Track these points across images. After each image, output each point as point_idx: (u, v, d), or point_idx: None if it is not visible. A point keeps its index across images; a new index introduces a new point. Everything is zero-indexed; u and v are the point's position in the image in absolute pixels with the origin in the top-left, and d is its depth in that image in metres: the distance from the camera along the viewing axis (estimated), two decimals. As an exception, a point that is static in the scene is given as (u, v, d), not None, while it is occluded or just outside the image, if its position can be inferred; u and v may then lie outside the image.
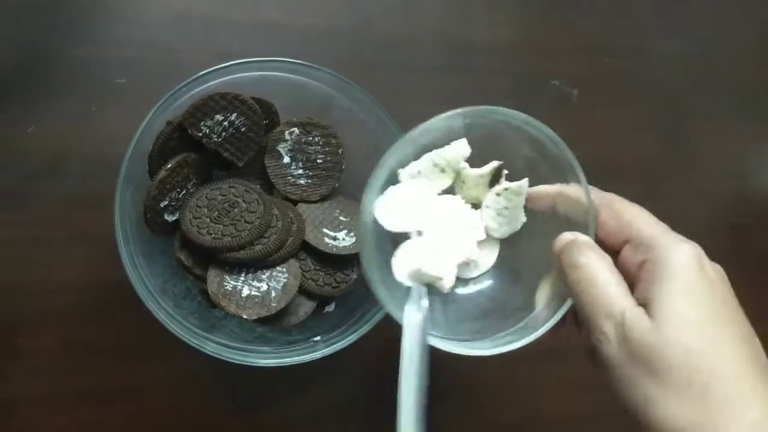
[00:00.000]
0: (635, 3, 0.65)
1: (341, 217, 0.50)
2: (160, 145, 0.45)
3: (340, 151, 0.50)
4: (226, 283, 0.45)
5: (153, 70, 0.52)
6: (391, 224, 0.41)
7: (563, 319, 0.37)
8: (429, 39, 0.59)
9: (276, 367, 0.43)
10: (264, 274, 0.46)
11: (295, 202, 0.50)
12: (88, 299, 0.50)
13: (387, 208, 0.41)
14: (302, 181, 0.50)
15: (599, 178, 0.55)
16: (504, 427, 0.58)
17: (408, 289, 0.39)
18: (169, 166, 0.44)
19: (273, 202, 0.47)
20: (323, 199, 0.51)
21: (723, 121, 0.66)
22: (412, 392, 0.32)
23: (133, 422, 0.50)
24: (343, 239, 0.48)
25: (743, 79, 0.67)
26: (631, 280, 0.34)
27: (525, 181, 0.43)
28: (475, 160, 0.44)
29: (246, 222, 0.45)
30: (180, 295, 0.45)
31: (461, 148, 0.43)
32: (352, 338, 0.44)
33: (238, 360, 0.42)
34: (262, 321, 0.46)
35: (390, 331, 0.47)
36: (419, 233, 0.42)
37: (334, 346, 0.44)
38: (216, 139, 0.46)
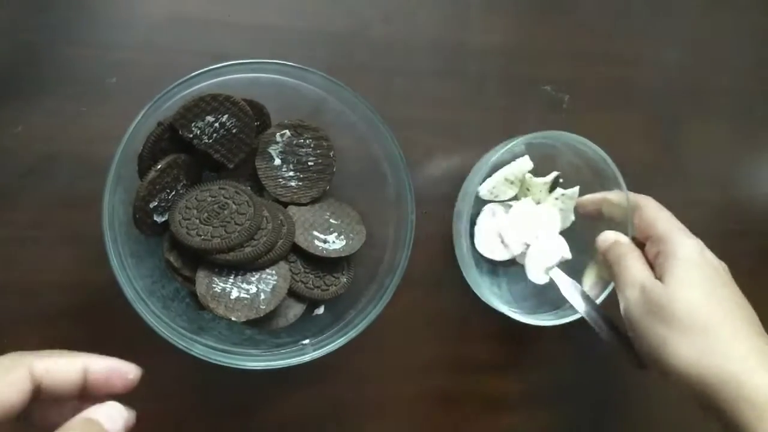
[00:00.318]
0: (628, 10, 0.65)
1: (332, 220, 0.50)
2: (151, 146, 0.44)
3: (331, 154, 0.50)
4: (215, 285, 0.44)
5: (144, 71, 0.52)
6: (518, 248, 0.56)
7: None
8: (423, 43, 0.59)
9: (265, 370, 0.43)
10: (253, 276, 0.46)
11: (285, 205, 0.50)
12: (75, 300, 0.50)
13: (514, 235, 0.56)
14: (293, 184, 0.50)
15: (590, 185, 0.55)
16: None
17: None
18: (159, 166, 0.44)
19: (263, 204, 0.47)
20: (314, 201, 0.51)
21: (716, 127, 0.66)
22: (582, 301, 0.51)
23: (120, 425, 0.50)
24: (333, 242, 0.48)
25: (737, 86, 0.67)
26: (651, 265, 0.47)
27: (576, 189, 0.56)
28: (534, 171, 0.57)
29: (236, 224, 0.45)
30: (168, 297, 0.45)
31: (525, 163, 0.56)
32: (341, 341, 0.44)
33: (226, 363, 0.42)
34: (250, 323, 0.46)
35: (378, 335, 0.47)
36: (531, 241, 0.56)
37: (323, 349, 0.44)
38: (207, 141, 0.46)
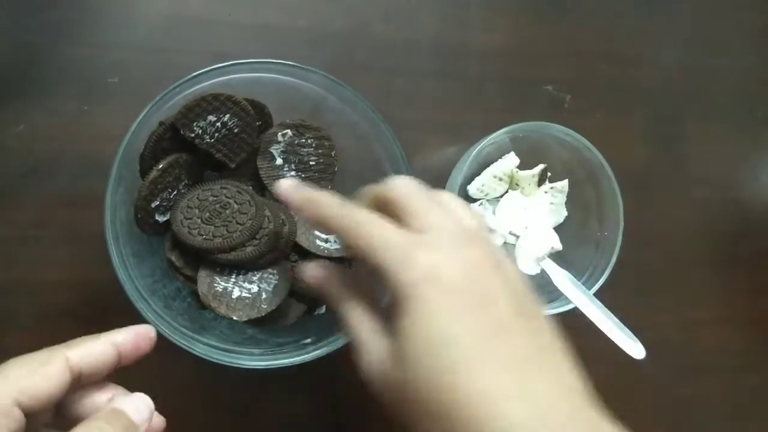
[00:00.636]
0: (629, 9, 0.65)
1: (333, 220, 0.50)
2: (152, 146, 0.44)
3: (332, 154, 0.50)
4: (216, 285, 0.44)
5: (145, 71, 0.52)
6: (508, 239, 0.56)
7: None
8: (424, 43, 0.59)
9: (266, 369, 0.43)
10: (255, 275, 0.46)
11: (287, 204, 0.50)
12: (76, 299, 0.50)
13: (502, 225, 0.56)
14: (294, 183, 0.50)
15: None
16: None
17: None
18: (160, 166, 0.44)
19: (265, 203, 0.47)
20: (315, 201, 0.50)
21: (717, 127, 0.66)
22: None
23: (121, 424, 0.50)
24: (335, 242, 0.48)
25: (737, 86, 0.67)
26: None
27: (565, 182, 0.56)
28: (522, 166, 0.57)
29: (237, 223, 0.45)
30: (170, 296, 0.45)
31: (512, 159, 0.57)
32: (342, 340, 0.44)
33: (227, 362, 0.42)
34: (252, 323, 0.46)
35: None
36: (521, 233, 0.56)
37: (325, 348, 0.44)
38: (208, 140, 0.46)
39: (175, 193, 0.46)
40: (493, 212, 0.57)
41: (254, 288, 0.45)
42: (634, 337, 0.51)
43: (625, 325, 0.52)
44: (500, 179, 0.57)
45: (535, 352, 0.31)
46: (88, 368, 0.32)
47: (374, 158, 0.48)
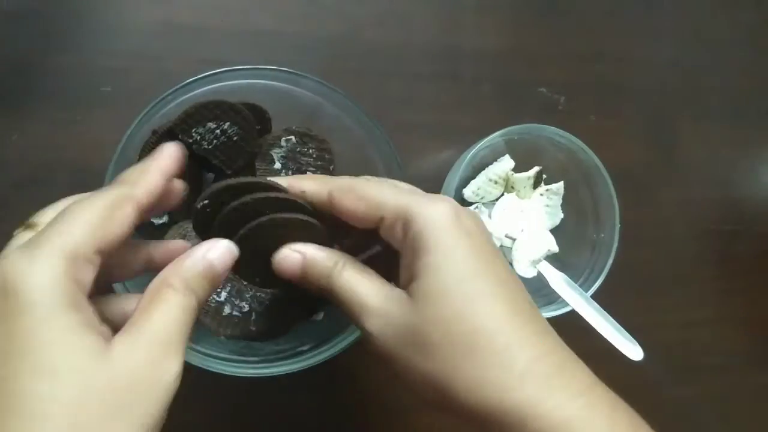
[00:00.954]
0: (623, 10, 0.65)
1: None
2: (147, 154, 0.44)
3: (331, 168, 0.50)
4: (209, 299, 0.44)
5: (139, 79, 0.52)
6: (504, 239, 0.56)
7: None
8: (417, 46, 0.59)
9: (264, 377, 0.42)
10: (248, 293, 0.45)
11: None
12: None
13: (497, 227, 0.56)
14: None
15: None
16: None
17: None
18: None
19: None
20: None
21: (711, 127, 0.67)
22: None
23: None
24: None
25: (731, 85, 0.68)
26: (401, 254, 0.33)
27: (561, 184, 0.56)
28: (518, 168, 0.57)
29: None
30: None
31: (507, 162, 0.56)
32: (340, 347, 0.44)
33: (225, 370, 0.42)
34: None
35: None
36: (517, 236, 0.56)
37: (323, 355, 0.43)
38: (206, 146, 0.45)
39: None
40: (489, 215, 0.57)
41: (246, 307, 0.45)
42: (633, 339, 0.51)
43: (622, 327, 0.52)
44: (496, 182, 0.57)
45: (530, 300, 0.33)
46: (149, 207, 0.32)
47: (369, 162, 0.48)
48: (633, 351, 0.51)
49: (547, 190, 0.57)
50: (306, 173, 0.49)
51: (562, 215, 0.58)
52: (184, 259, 0.31)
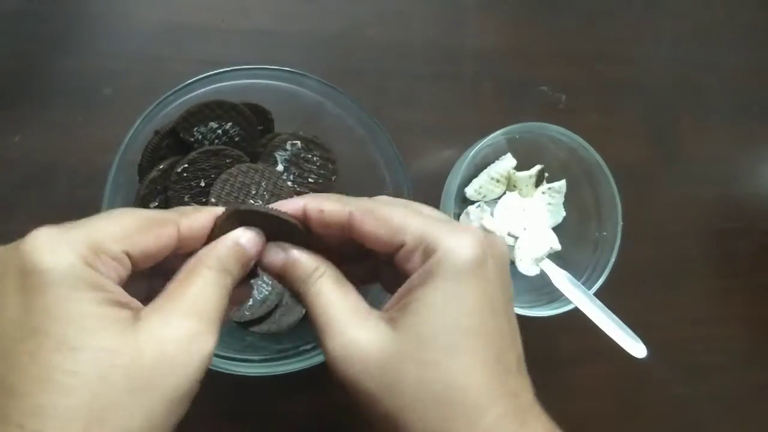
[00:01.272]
0: (623, 9, 0.65)
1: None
2: (150, 155, 0.44)
3: (333, 178, 0.50)
4: None
5: (140, 80, 0.52)
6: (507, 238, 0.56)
7: None
8: (419, 46, 0.59)
9: (266, 375, 0.42)
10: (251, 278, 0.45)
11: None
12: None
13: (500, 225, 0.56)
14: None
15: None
16: None
17: None
18: (161, 166, 0.44)
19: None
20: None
21: (712, 125, 0.67)
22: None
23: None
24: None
25: (732, 83, 0.67)
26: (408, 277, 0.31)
27: (563, 182, 0.56)
28: (520, 167, 0.57)
29: None
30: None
31: (508, 161, 0.56)
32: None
33: (228, 370, 0.42)
34: (251, 329, 0.46)
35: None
36: (520, 234, 0.56)
37: (325, 354, 0.43)
38: (207, 146, 0.45)
39: (172, 194, 0.46)
40: (491, 214, 0.57)
41: None
42: (635, 336, 0.51)
43: (625, 325, 0.52)
44: (497, 181, 0.57)
45: (520, 355, 0.32)
46: (190, 242, 0.31)
47: (371, 162, 0.48)
48: (636, 348, 0.51)
49: (549, 188, 0.57)
50: (308, 180, 0.49)
51: (564, 213, 0.57)
52: (220, 243, 0.31)
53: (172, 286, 0.29)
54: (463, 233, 0.30)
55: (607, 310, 0.52)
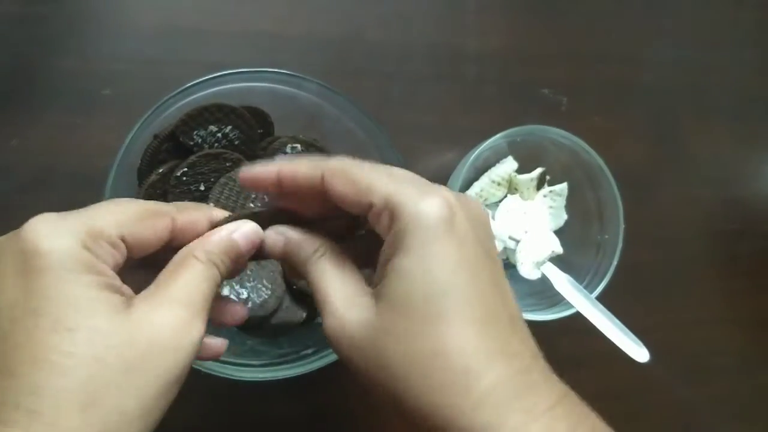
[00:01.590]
0: (625, 10, 0.65)
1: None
2: (149, 158, 0.44)
3: None
4: None
5: (139, 83, 0.52)
6: (508, 241, 0.56)
7: None
8: (419, 48, 0.59)
9: (266, 380, 0.42)
10: (249, 282, 0.45)
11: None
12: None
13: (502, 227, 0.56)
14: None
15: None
16: None
17: None
18: (160, 170, 0.44)
19: None
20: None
21: (715, 127, 0.66)
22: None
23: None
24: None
25: (735, 84, 0.67)
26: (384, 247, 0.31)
27: (564, 185, 0.56)
28: (521, 170, 0.57)
29: None
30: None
31: (510, 164, 0.56)
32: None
33: (229, 374, 0.42)
34: (252, 333, 0.45)
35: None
36: (521, 237, 0.56)
37: (326, 358, 0.43)
38: (207, 150, 0.45)
39: (172, 198, 0.45)
40: (493, 217, 0.56)
41: (244, 294, 0.45)
42: (638, 341, 0.51)
43: (628, 329, 0.52)
44: (499, 184, 0.57)
45: (514, 316, 0.30)
46: (183, 236, 0.32)
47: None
48: (639, 353, 0.51)
49: (550, 191, 0.57)
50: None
51: (565, 216, 0.57)
52: (211, 235, 0.32)
53: (162, 276, 0.30)
54: (428, 195, 0.29)
55: (610, 314, 0.52)
